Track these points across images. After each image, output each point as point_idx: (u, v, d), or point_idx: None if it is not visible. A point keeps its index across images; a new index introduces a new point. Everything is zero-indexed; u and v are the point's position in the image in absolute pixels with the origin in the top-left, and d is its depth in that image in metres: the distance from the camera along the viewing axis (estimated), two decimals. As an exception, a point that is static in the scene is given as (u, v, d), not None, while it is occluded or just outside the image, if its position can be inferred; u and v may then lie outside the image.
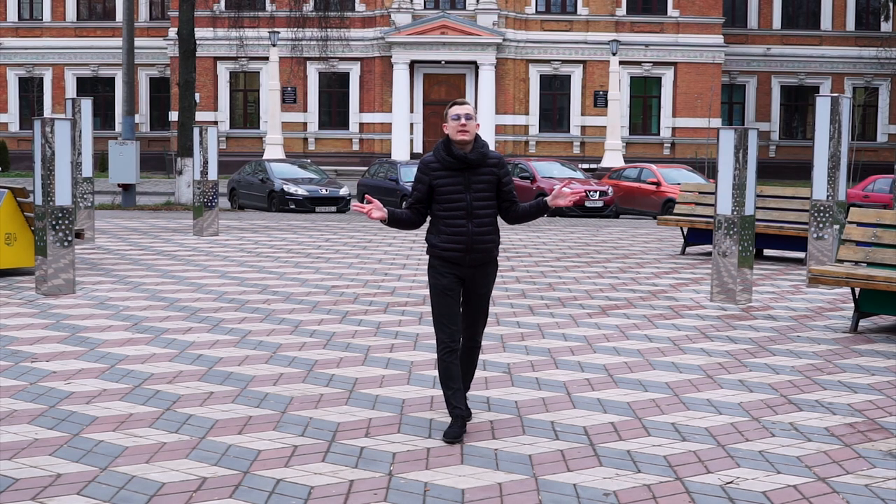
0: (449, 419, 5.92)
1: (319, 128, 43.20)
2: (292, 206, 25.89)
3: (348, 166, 41.01)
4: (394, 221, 5.95)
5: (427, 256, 6.05)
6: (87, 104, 17.41)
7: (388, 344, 8.54)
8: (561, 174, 27.45)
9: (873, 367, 7.91)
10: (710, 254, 15.51)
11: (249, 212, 26.18)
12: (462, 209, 5.85)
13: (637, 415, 6.34)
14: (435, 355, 6.75)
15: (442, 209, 5.88)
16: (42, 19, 46.10)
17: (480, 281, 6.00)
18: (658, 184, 26.07)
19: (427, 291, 9.48)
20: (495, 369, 7.58)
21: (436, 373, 6.86)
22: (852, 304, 9.86)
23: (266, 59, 40.17)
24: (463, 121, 5.87)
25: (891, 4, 43.32)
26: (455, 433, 5.72)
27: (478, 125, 5.95)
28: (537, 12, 42.80)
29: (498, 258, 6.12)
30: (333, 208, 26.16)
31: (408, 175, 25.85)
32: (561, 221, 23.91)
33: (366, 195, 6.23)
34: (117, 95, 43.96)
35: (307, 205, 25.94)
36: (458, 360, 5.86)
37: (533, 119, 42.87)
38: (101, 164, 37.96)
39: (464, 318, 6.04)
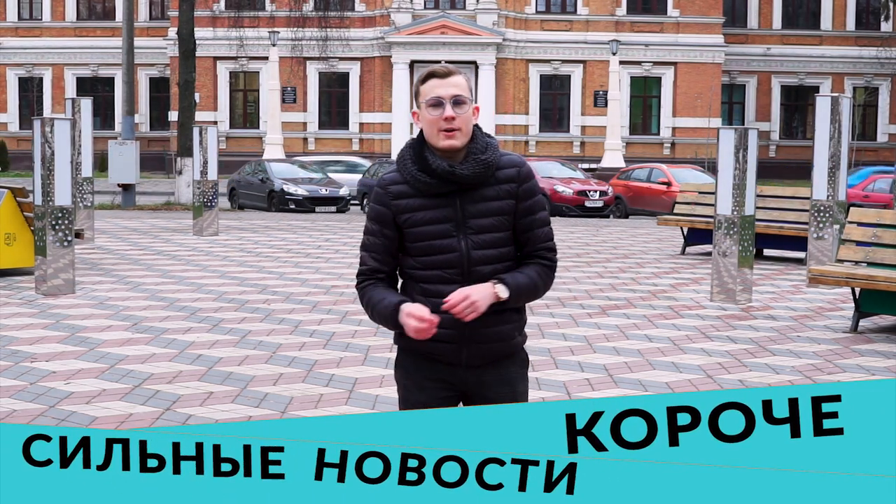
0: None
1: (319, 128, 43.18)
2: (292, 206, 25.89)
3: (348, 166, 41.00)
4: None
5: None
6: (86, 104, 17.41)
7: (387, 344, 8.52)
8: (561, 174, 27.44)
9: (873, 367, 7.90)
10: (710, 254, 15.50)
11: (249, 212, 26.18)
12: (453, 265, 3.19)
13: (637, 415, 6.33)
14: None
15: (417, 265, 3.24)
16: (42, 19, 46.08)
17: (495, 392, 3.26)
18: (669, 184, 26.03)
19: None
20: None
21: None
22: (852, 304, 9.85)
23: (266, 59, 40.11)
24: (449, 110, 3.17)
25: (891, 4, 43.30)
26: None
27: (477, 108, 3.27)
28: (537, 12, 42.78)
29: (524, 346, 3.38)
30: (333, 208, 26.14)
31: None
32: (561, 221, 23.90)
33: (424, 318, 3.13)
34: (117, 95, 43.92)
35: (307, 205, 25.93)
36: None
37: (533, 119, 42.84)
38: (100, 163, 37.90)
39: None
